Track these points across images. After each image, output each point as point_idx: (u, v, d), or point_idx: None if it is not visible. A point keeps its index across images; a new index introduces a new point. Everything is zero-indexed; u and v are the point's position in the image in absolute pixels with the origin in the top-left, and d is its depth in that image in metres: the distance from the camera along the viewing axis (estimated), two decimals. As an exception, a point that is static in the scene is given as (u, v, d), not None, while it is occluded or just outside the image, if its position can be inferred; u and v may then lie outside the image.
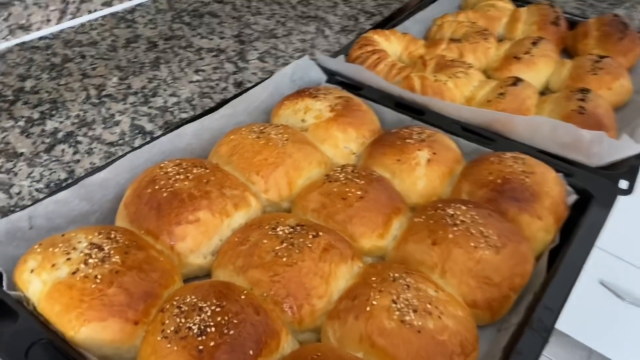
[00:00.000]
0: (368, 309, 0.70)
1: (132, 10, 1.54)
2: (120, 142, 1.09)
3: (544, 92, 1.38)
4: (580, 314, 2.13)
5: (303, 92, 1.13)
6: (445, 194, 0.99)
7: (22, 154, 1.02)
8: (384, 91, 1.22)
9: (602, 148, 1.04)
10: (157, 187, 0.84)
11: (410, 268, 0.78)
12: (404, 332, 0.68)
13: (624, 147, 1.03)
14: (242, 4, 1.67)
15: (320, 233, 0.80)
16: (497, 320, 0.81)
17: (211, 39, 1.46)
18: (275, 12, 1.64)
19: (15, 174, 0.98)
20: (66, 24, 1.41)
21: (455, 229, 0.81)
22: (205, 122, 1.05)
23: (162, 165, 0.89)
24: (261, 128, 1.00)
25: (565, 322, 2.19)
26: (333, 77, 1.27)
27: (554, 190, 0.92)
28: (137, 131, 1.12)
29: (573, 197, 0.96)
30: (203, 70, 1.32)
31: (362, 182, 0.90)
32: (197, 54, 1.38)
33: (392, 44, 1.42)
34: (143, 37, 1.43)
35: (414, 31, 1.60)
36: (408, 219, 0.89)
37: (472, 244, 0.79)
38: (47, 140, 1.05)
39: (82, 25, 1.44)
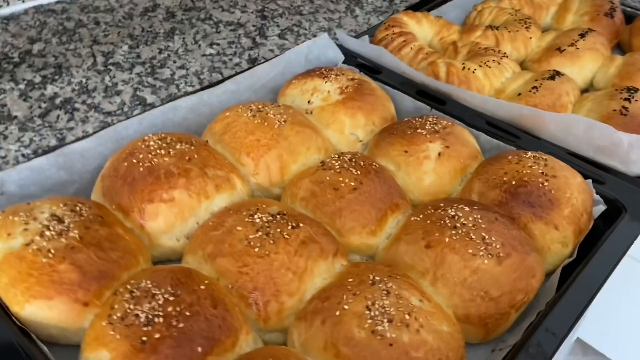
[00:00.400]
0: (338, 313, 0.62)
1: (156, -21, 1.50)
2: (118, 112, 1.04)
3: (588, 89, 1.25)
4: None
5: (313, 72, 1.05)
6: (455, 192, 0.89)
7: (15, 117, 0.99)
8: (404, 76, 1.13)
9: (642, 155, 0.91)
10: (134, 160, 0.78)
11: (396, 271, 0.69)
12: (373, 343, 0.59)
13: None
14: (271, -22, 1.59)
15: (301, 224, 0.72)
16: (493, 339, 0.72)
17: (232, 12, 1.39)
18: (305, -11, 1.56)
19: (5, 138, 0.95)
20: (86, -11, 1.38)
21: (453, 232, 0.72)
22: (205, 97, 0.99)
23: (145, 138, 0.83)
24: (259, 106, 0.92)
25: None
26: (352, 58, 1.18)
27: (577, 197, 0.81)
28: (137, 102, 1.07)
29: (600, 208, 0.84)
30: (218, 44, 1.26)
31: (358, 172, 0.81)
32: (215, 27, 1.32)
33: (423, 28, 1.32)
34: (162, 6, 1.38)
35: (452, 16, 1.48)
36: (407, 217, 0.80)
37: (470, 251, 0.70)
38: (44, 105, 1.02)
39: (103, -9, 1.40)
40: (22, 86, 1.06)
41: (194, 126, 0.97)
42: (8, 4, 1.25)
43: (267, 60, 1.12)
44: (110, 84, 1.10)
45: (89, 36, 1.23)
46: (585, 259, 0.76)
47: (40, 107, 1.01)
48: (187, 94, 1.08)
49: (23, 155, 0.92)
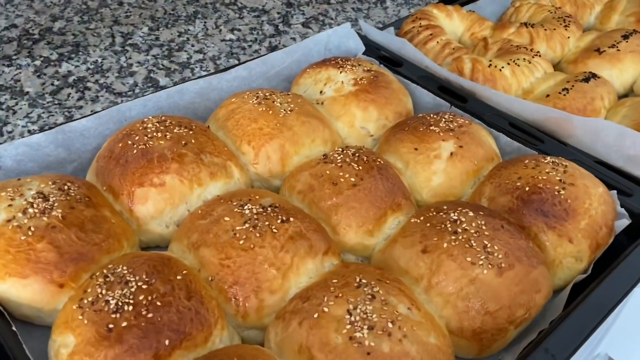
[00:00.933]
0: (316, 315, 0.58)
1: (186, -38, 1.48)
2: (130, 93, 1.03)
3: (628, 95, 1.16)
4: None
5: (329, 61, 1.00)
6: (466, 195, 0.84)
7: (27, 92, 0.99)
8: (427, 71, 1.07)
9: (677, 168, 0.83)
10: (130, 142, 0.76)
11: (387, 275, 0.65)
12: (349, 350, 0.55)
13: None
14: (303, -35, 1.55)
15: (292, 219, 0.69)
16: (487, 356, 0.66)
17: (258, -1, 1.36)
18: (336, -22, 1.51)
19: (14, 113, 0.94)
20: (114, -30, 1.37)
21: (453, 237, 0.67)
22: (214, 82, 0.96)
23: (145, 120, 0.81)
24: (267, 94, 0.89)
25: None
26: (374, 49, 1.13)
27: (596, 209, 0.74)
28: (150, 84, 1.05)
29: (624, 222, 0.77)
30: (239, 30, 1.24)
31: (360, 168, 0.77)
32: (238, 12, 1.30)
33: (453, 22, 1.25)
34: (188, -11, 1.36)
35: (489, 11, 1.41)
36: (408, 218, 0.75)
37: (469, 259, 0.64)
38: (57, 83, 1.01)
39: (131, -28, 1.40)
40: (38, 62, 1.06)
41: (201, 111, 0.95)
42: (35, -18, 1.25)
43: (286, 48, 1.09)
44: (125, 64, 1.09)
45: (111, 16, 1.22)
46: (600, 277, 0.69)
47: (52, 84, 1.01)
48: (197, 78, 1.06)
49: (29, 131, 0.92)
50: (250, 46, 1.19)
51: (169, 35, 1.18)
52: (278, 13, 1.31)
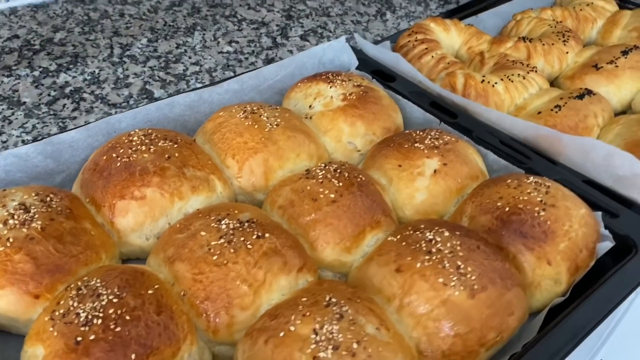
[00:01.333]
0: (282, 334, 0.59)
1: (190, -26, 1.50)
2: (124, 104, 1.04)
3: (627, 112, 1.14)
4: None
5: (320, 76, 1.01)
6: (449, 213, 0.83)
7: (24, 103, 1.01)
8: (419, 86, 1.07)
9: (666, 189, 0.82)
10: (114, 155, 0.78)
11: (359, 294, 0.65)
12: (312, 371, 0.55)
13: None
14: (306, -22, 1.57)
15: (267, 234, 0.69)
16: (458, 379, 0.66)
17: (258, 11, 1.38)
18: (338, -10, 1.52)
19: (10, 123, 0.97)
20: (119, -19, 1.40)
21: (427, 257, 0.66)
22: (205, 95, 0.97)
23: (132, 132, 0.82)
24: (255, 108, 0.90)
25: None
26: (368, 64, 1.13)
27: (577, 231, 0.73)
28: (144, 96, 1.07)
29: (607, 245, 0.76)
30: (237, 42, 1.25)
31: (340, 184, 0.77)
32: (237, 25, 1.31)
33: (451, 36, 1.25)
34: (189, 1, 1.38)
35: (489, 25, 1.41)
36: (387, 236, 0.75)
37: (441, 280, 0.64)
38: (53, 94, 1.04)
39: (135, -17, 1.42)
40: (36, 73, 1.08)
41: (191, 124, 0.96)
42: (40, -7, 1.28)
43: (282, 61, 1.10)
44: (122, 76, 1.10)
45: (111, 27, 1.25)
46: (577, 301, 0.69)
47: (49, 95, 1.03)
48: (190, 90, 1.07)
49: (23, 141, 0.94)
50: (247, 58, 1.21)
51: (167, 46, 1.20)
52: (277, 25, 1.33)
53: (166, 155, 0.78)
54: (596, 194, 0.85)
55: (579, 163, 0.91)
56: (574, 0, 1.45)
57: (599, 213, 0.79)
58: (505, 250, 0.72)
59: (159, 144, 0.80)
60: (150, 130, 0.83)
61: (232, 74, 1.16)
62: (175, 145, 0.81)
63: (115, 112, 1.03)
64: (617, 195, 0.87)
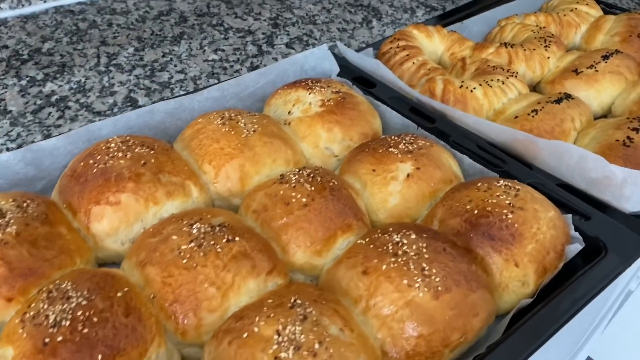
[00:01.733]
0: (245, 335, 0.60)
1: (180, -17, 1.53)
2: (108, 112, 1.06)
3: (607, 116, 1.15)
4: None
5: (299, 83, 1.03)
6: (422, 217, 0.85)
7: (10, 111, 1.03)
8: (400, 92, 1.09)
9: (636, 192, 0.83)
10: (91, 161, 0.79)
11: (326, 296, 0.66)
12: (273, 371, 0.57)
13: (664, 195, 0.81)
14: (294, -14, 1.59)
15: (237, 238, 0.71)
16: (424, 379, 0.67)
17: (245, 20, 1.40)
18: (324, -2, 1.54)
19: (-5, 131, 0.98)
20: (108, -8, 1.42)
21: (392, 259, 0.68)
22: (186, 102, 0.99)
23: (110, 140, 0.84)
24: (233, 114, 0.91)
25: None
26: (349, 70, 1.15)
27: (545, 233, 0.74)
28: (129, 104, 1.09)
29: (577, 247, 0.77)
30: (223, 50, 1.27)
31: (313, 188, 0.79)
32: (224, 33, 1.33)
33: (433, 42, 1.27)
34: (177, 10, 1.40)
35: (475, 31, 1.42)
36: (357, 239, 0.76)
37: (406, 282, 0.65)
38: (39, 102, 1.06)
39: (124, -7, 1.44)
40: (23, 82, 1.10)
41: (172, 130, 0.97)
42: (30, 4, 1.31)
43: (267, 69, 1.12)
44: (107, 84, 1.12)
45: (99, 37, 1.27)
46: (543, 302, 0.69)
47: (35, 103, 1.05)
48: (170, 97, 1.09)
49: (8, 149, 0.96)
50: (232, 66, 1.22)
51: (153, 55, 1.22)
52: (263, 34, 1.34)
53: (142, 162, 0.80)
54: (569, 197, 0.86)
55: (554, 166, 0.92)
56: (558, 6, 1.46)
57: (569, 215, 0.80)
58: (474, 252, 0.73)
59: (136, 150, 0.82)
60: (128, 137, 0.85)
61: (216, 82, 1.17)
62: (152, 152, 0.82)
63: (99, 120, 1.05)
64: (590, 197, 0.88)
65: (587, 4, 1.43)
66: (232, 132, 0.87)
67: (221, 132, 0.87)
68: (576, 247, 0.77)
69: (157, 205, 0.78)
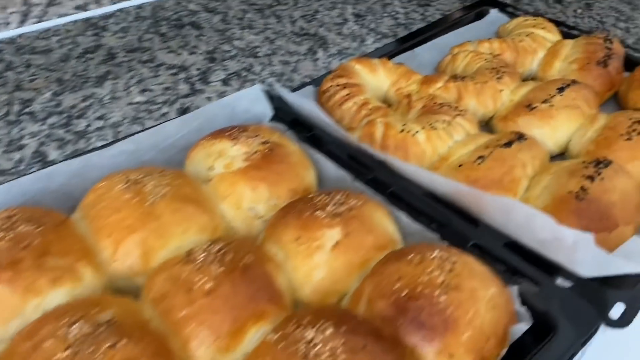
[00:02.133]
0: None
1: (109, 16, 1.42)
2: (12, 170, 0.96)
3: (565, 154, 1.07)
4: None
5: (224, 132, 0.93)
6: (351, 291, 0.75)
7: None
8: (336, 139, 0.99)
9: (589, 256, 0.74)
10: (-36, 247, 0.69)
11: (223, 412, 0.56)
12: None
13: (619, 262, 0.72)
14: (235, 15, 1.49)
15: (125, 340, 0.60)
16: None
17: (179, 54, 1.30)
18: (268, 27, 1.44)
19: None
20: (28, 28, 1.32)
21: (302, 364, 0.58)
22: (94, 159, 0.89)
23: (-8, 215, 0.73)
24: (140, 176, 0.81)
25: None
26: (286, 112, 1.05)
27: (483, 317, 0.65)
28: (37, 159, 0.98)
29: (523, 327, 0.68)
30: (151, 90, 1.17)
31: (221, 269, 0.68)
32: (154, 71, 1.23)
33: (377, 77, 1.18)
34: (105, 47, 1.30)
35: (426, 59, 1.33)
36: (268, 331, 0.66)
37: (315, 394, 0.55)
38: None
39: (47, 30, 1.33)
40: None
41: (79, 193, 0.86)
42: (-61, 44, 1.19)
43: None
44: (16, 136, 1.02)
45: (14, 81, 1.16)
46: (480, 402, 0.60)
47: None
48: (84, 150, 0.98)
49: None
50: (159, 109, 1.12)
51: (72, 100, 1.12)
52: (198, 69, 1.25)
53: (24, 243, 0.69)
54: (516, 261, 0.77)
55: (502, 222, 0.83)
56: (514, 30, 1.38)
57: (515, 287, 0.71)
58: (402, 343, 0.63)
59: (19, 228, 0.71)
60: (14, 212, 0.74)
61: (139, 128, 1.07)
62: (39, 229, 0.72)
63: (4, 180, 0.94)
64: (541, 258, 0.79)
65: (544, 28, 1.35)
66: (135, 200, 0.77)
67: (122, 200, 0.77)
68: (521, 328, 0.67)
69: (38, 297, 0.67)
